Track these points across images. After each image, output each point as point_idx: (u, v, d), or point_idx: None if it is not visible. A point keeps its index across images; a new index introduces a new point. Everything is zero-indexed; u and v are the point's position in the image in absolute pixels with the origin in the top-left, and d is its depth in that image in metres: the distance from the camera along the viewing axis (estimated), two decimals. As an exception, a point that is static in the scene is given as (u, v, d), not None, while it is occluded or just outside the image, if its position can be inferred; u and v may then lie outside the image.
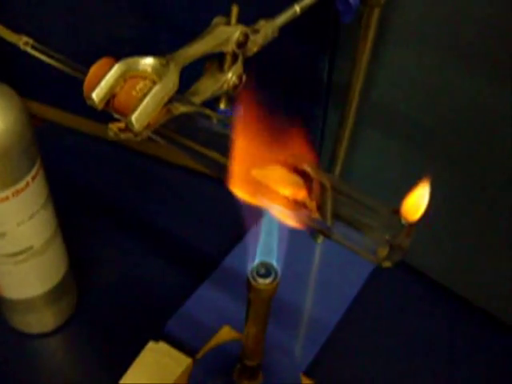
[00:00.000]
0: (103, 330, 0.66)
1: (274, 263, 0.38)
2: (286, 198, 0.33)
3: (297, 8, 0.47)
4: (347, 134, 0.62)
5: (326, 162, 0.66)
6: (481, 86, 0.55)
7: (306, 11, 0.49)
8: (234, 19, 0.40)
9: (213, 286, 0.67)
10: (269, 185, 0.33)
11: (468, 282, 0.68)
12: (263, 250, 0.37)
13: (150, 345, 0.61)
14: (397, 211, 0.30)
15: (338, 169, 0.65)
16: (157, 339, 0.61)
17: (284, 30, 0.54)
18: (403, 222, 0.30)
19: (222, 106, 0.43)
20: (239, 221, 0.35)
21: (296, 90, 0.65)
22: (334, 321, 0.65)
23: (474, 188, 0.62)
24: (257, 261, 0.38)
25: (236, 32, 0.40)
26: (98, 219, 0.76)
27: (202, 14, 0.42)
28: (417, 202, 0.30)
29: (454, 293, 0.69)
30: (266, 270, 0.38)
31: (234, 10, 0.39)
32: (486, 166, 0.59)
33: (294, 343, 0.65)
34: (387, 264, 0.32)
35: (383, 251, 0.31)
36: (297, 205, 0.33)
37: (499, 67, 0.53)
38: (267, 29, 0.43)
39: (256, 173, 0.34)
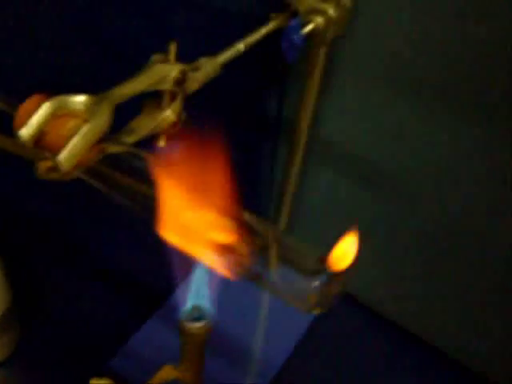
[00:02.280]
0: (46, 367, 0.64)
1: (207, 306, 0.37)
2: (216, 242, 0.32)
3: (241, 46, 0.46)
4: (296, 170, 0.62)
5: (275, 197, 0.66)
6: (430, 123, 0.56)
7: (254, 47, 0.49)
8: (172, 57, 0.39)
9: (158, 323, 0.66)
10: (198, 229, 0.33)
11: (416, 315, 0.68)
12: (195, 294, 0.36)
13: (93, 381, 0.59)
14: (324, 259, 0.30)
15: (287, 204, 0.65)
16: (101, 376, 0.60)
17: (232, 65, 0.54)
18: (329, 270, 0.30)
19: (161, 143, 0.43)
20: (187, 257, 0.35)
21: (245, 126, 0.64)
22: (282, 359, 0.65)
23: (419, 229, 0.62)
24: (189, 304, 0.37)
25: (174, 70, 0.39)
26: (41, 253, 0.74)
27: (155, 43, 0.42)
28: (345, 251, 0.29)
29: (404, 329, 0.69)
30: (199, 314, 0.37)
31: (172, 47, 0.39)
32: (433, 211, 0.60)
33: (244, 378, 0.64)
34: (316, 311, 0.31)
35: (313, 298, 0.31)
36: (227, 250, 0.32)
37: (449, 103, 0.54)
38: (208, 67, 0.43)
39: (186, 216, 0.33)
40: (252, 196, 0.70)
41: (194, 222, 0.33)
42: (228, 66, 0.51)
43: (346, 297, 0.70)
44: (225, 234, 0.33)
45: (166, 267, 0.38)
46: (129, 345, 0.64)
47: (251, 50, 0.51)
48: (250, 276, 0.32)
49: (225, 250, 0.32)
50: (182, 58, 0.41)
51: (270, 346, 0.65)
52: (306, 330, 0.67)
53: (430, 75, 0.54)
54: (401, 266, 0.66)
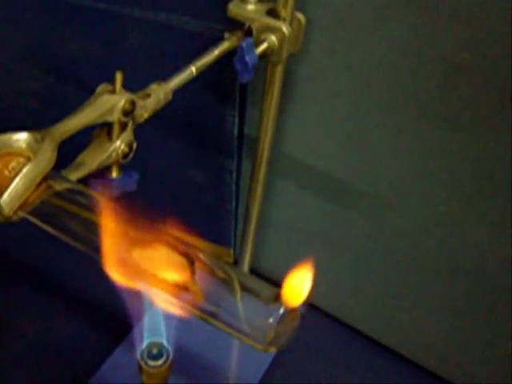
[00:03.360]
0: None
1: (165, 343, 0.36)
2: (167, 281, 0.31)
3: (192, 69, 0.45)
4: (260, 186, 0.61)
5: (243, 214, 0.65)
6: (394, 132, 0.55)
7: (209, 69, 0.48)
8: (118, 86, 0.38)
9: (127, 350, 0.65)
10: (148, 267, 0.31)
11: (390, 328, 0.68)
12: (151, 331, 0.35)
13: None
14: (278, 295, 0.29)
15: (253, 221, 0.64)
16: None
17: (189, 86, 0.53)
18: (284, 308, 0.29)
19: (114, 174, 0.41)
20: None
21: (207, 145, 0.63)
22: (256, 379, 0.64)
23: (390, 241, 0.61)
24: (145, 342, 0.36)
25: (121, 100, 0.38)
26: (7, 282, 0.72)
27: (110, 67, 0.40)
28: (298, 285, 0.28)
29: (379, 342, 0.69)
30: (158, 351, 0.36)
31: (118, 76, 0.38)
32: (403, 218, 0.59)
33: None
34: (272, 349, 0.30)
35: (268, 336, 0.30)
36: (179, 288, 0.31)
37: (412, 110, 0.54)
38: (159, 93, 0.42)
39: (135, 253, 0.32)
40: (217, 216, 0.69)
41: (143, 259, 0.32)
42: (183, 88, 0.50)
43: (317, 311, 0.69)
44: (176, 271, 0.31)
45: (124, 302, 0.37)
46: (98, 375, 0.63)
47: (207, 70, 0.51)
48: (202, 316, 0.31)
49: (176, 288, 0.31)
50: (131, 84, 0.40)
51: (241, 371, 0.64)
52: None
53: (390, 85, 0.53)
54: (373, 279, 0.65)
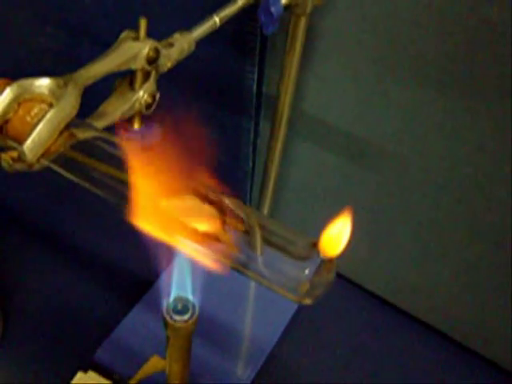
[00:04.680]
0: (30, 361, 0.62)
1: (191, 298, 0.35)
2: (198, 231, 0.30)
3: (216, 19, 0.44)
4: (279, 145, 0.59)
5: (260, 174, 0.64)
6: (416, 95, 0.54)
7: (229, 22, 0.47)
8: (142, 33, 0.36)
9: (143, 311, 0.64)
10: (178, 217, 0.30)
11: (412, 297, 0.67)
12: (178, 285, 0.34)
13: (79, 375, 0.58)
14: (315, 244, 0.28)
15: (271, 182, 0.63)
16: (86, 368, 0.58)
17: (209, 40, 0.52)
18: (322, 257, 0.28)
19: (136, 126, 0.40)
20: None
21: (225, 102, 0.62)
22: (272, 343, 0.63)
23: (409, 202, 0.60)
24: (172, 296, 0.35)
25: (145, 47, 0.36)
26: (23, 243, 0.72)
27: (126, 22, 0.39)
28: (337, 235, 0.27)
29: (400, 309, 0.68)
30: (183, 306, 0.35)
31: (143, 23, 0.36)
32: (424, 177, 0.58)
33: (235, 364, 0.63)
34: (307, 301, 0.29)
35: (303, 287, 0.29)
36: (210, 238, 0.30)
37: (438, 75, 0.52)
38: (182, 43, 0.40)
39: (163, 204, 0.31)
40: (234, 177, 0.68)
41: (172, 209, 0.31)
42: (203, 41, 0.48)
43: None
44: (206, 221, 0.30)
45: (148, 254, 0.36)
46: (113, 336, 0.62)
47: (227, 23, 0.49)
48: (235, 266, 0.30)
49: (207, 239, 0.30)
50: (154, 34, 0.39)
51: (259, 331, 0.64)
52: (294, 311, 0.66)
53: (418, 47, 0.51)
54: (391, 240, 0.64)
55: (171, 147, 0.36)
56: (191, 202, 0.31)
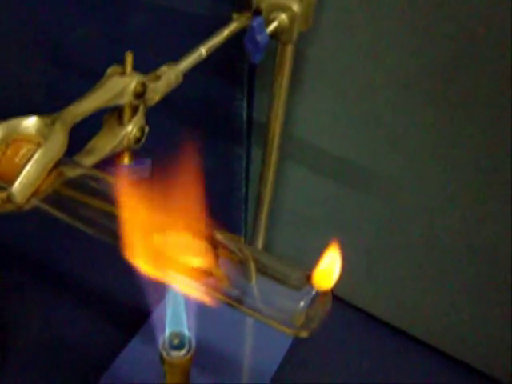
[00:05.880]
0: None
1: (186, 333, 0.34)
2: (191, 267, 0.30)
3: (202, 50, 0.44)
4: (271, 171, 0.59)
5: (254, 201, 0.64)
6: (407, 116, 0.54)
7: (217, 51, 0.47)
8: (129, 68, 0.37)
9: (142, 342, 0.64)
10: (170, 253, 0.30)
11: (404, 312, 0.67)
12: (173, 320, 0.34)
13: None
14: (309, 277, 0.28)
15: (265, 208, 0.62)
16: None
17: (197, 70, 0.52)
18: (316, 290, 0.27)
19: (126, 161, 0.40)
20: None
21: (215, 131, 0.62)
22: (273, 367, 0.62)
23: (403, 225, 0.60)
24: (167, 332, 0.34)
25: (132, 82, 0.36)
26: (20, 277, 0.71)
27: (116, 54, 0.39)
28: (329, 268, 0.27)
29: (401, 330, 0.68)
30: (179, 341, 0.35)
31: (129, 57, 0.36)
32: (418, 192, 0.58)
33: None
34: (303, 334, 0.29)
35: (299, 320, 0.28)
36: (203, 274, 0.30)
37: (424, 97, 0.52)
38: (170, 75, 0.41)
39: (155, 240, 0.31)
40: (228, 205, 0.67)
41: (165, 245, 0.30)
42: (191, 71, 0.48)
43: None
44: (199, 256, 0.30)
45: (145, 286, 0.36)
46: (113, 368, 0.61)
47: (214, 53, 0.49)
48: (228, 301, 0.30)
49: (200, 274, 0.30)
50: (141, 67, 0.39)
51: (258, 360, 0.63)
52: (292, 338, 0.65)
53: (406, 69, 0.52)
54: (387, 262, 0.64)
55: (163, 181, 0.36)
56: (183, 237, 0.31)
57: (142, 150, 0.40)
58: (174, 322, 0.34)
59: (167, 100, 0.44)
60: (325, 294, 0.27)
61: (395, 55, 0.51)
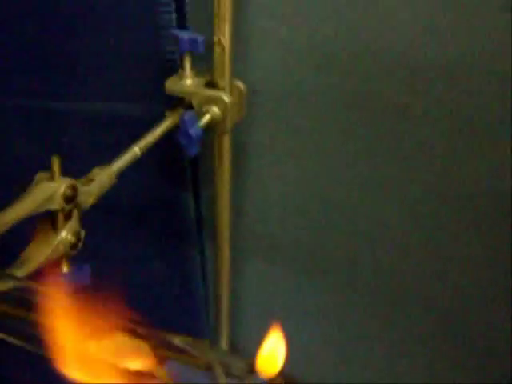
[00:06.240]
0: None
1: None
2: (130, 370, 0.28)
3: (136, 149, 0.44)
4: (226, 268, 0.58)
5: (213, 300, 0.62)
6: (354, 187, 0.54)
7: (156, 151, 0.47)
8: (57, 172, 0.36)
9: None
10: (107, 358, 0.28)
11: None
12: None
13: None
14: (252, 368, 0.26)
15: (224, 306, 0.60)
16: None
17: (138, 173, 0.51)
18: (263, 378, 0.25)
19: (64, 269, 0.38)
20: None
21: (164, 233, 0.60)
22: None
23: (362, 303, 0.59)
24: None
25: (61, 186, 0.35)
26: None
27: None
28: (272, 352, 0.25)
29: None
30: None
31: (55, 161, 0.35)
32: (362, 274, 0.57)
33: None
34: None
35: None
36: (144, 376, 0.28)
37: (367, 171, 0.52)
38: (102, 177, 0.40)
39: (89, 347, 0.29)
40: (188, 307, 0.65)
41: (100, 351, 0.28)
42: (132, 175, 0.48)
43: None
44: (139, 359, 0.28)
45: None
46: None
47: (154, 153, 0.49)
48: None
49: (141, 377, 0.28)
50: (76, 175, 0.38)
51: None
52: None
53: (342, 142, 0.52)
54: (353, 346, 0.62)
55: (103, 288, 0.34)
56: (121, 340, 0.29)
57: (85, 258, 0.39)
58: None
59: (112, 206, 0.43)
60: (275, 379, 0.25)
61: (331, 136, 0.52)
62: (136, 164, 0.57)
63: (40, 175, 0.36)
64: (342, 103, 0.50)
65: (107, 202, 0.48)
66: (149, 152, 0.54)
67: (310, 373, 0.63)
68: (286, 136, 0.53)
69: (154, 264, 0.61)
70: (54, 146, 0.55)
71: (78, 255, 0.39)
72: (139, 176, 0.57)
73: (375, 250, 0.55)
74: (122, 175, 0.50)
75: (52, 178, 0.36)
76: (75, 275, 0.39)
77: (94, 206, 0.41)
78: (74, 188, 0.36)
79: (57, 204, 0.36)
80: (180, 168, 0.56)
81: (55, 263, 0.38)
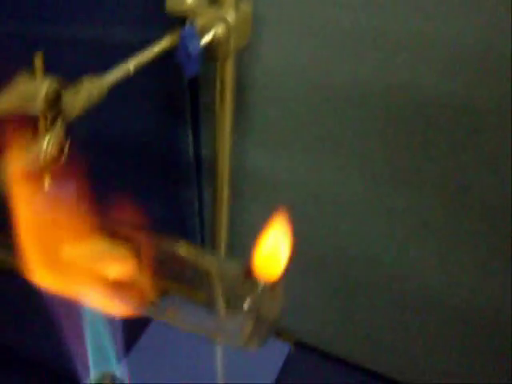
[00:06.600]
0: None
1: (117, 371, 0.28)
2: (107, 276, 0.24)
3: (130, 66, 0.40)
4: (224, 212, 0.54)
5: (208, 247, 0.58)
6: (359, 131, 0.50)
7: (157, 84, 0.43)
8: (39, 71, 0.32)
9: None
10: (82, 264, 0.24)
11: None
12: (98, 357, 0.28)
13: None
14: (249, 272, 0.22)
15: (222, 251, 0.57)
16: None
17: (138, 109, 0.48)
18: (261, 283, 0.22)
19: (46, 182, 0.35)
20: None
21: (162, 173, 0.57)
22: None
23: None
24: (93, 375, 0.28)
25: (43, 87, 0.32)
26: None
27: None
28: (272, 250, 0.22)
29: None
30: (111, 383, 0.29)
31: (38, 59, 0.32)
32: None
33: None
34: (253, 344, 0.23)
35: (247, 328, 0.23)
36: (123, 283, 0.24)
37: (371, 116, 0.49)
38: (91, 88, 0.36)
39: (65, 251, 0.25)
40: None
41: (75, 256, 0.25)
42: (131, 109, 0.44)
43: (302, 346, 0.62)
44: (118, 264, 0.25)
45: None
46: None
47: (154, 86, 0.45)
48: (157, 312, 0.24)
49: (120, 283, 0.24)
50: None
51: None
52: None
53: (352, 79, 0.48)
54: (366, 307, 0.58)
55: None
56: (99, 245, 0.25)
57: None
58: (99, 360, 0.28)
59: (108, 141, 0.39)
60: (273, 285, 0.22)
61: (341, 73, 0.48)
62: (133, 97, 0.54)
63: (21, 74, 0.33)
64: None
65: (100, 139, 0.45)
66: (147, 83, 0.51)
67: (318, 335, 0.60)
68: (290, 74, 0.49)
69: (149, 207, 0.58)
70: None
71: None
72: (135, 112, 0.53)
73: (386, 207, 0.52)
74: (117, 109, 0.47)
75: (34, 77, 0.32)
76: (59, 192, 0.35)
77: (84, 142, 0.37)
78: (57, 91, 0.33)
79: (38, 106, 0.32)
80: (180, 103, 0.53)
81: (36, 178, 0.35)
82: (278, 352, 0.60)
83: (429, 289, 0.54)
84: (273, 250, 0.22)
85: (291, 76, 0.49)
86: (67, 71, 0.52)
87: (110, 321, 0.28)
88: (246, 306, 0.22)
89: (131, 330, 0.28)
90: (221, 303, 0.23)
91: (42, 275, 0.25)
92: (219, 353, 0.57)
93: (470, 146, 0.46)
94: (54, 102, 0.33)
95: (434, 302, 0.54)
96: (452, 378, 0.57)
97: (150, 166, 0.57)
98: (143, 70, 0.41)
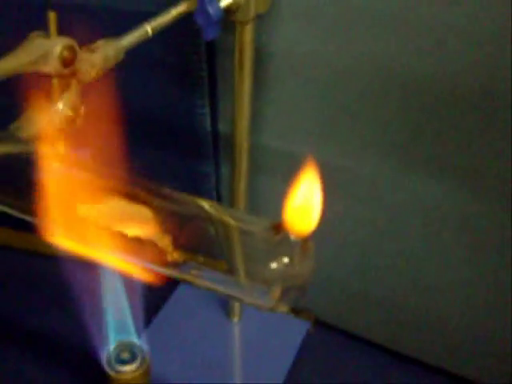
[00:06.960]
0: None
1: (137, 341, 0.27)
2: (127, 237, 0.23)
3: (148, 28, 0.38)
4: (242, 186, 0.53)
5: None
6: (379, 104, 0.49)
7: (174, 54, 0.41)
8: (53, 29, 0.31)
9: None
10: (100, 224, 0.23)
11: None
12: (117, 326, 0.26)
13: None
14: (278, 226, 0.21)
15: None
16: None
17: (155, 78, 0.46)
18: (292, 239, 0.20)
19: (60, 146, 0.33)
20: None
21: (178, 147, 0.55)
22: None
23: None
24: (113, 343, 0.27)
25: (57, 45, 0.30)
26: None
27: None
28: (304, 202, 0.20)
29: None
30: (131, 354, 0.27)
31: (52, 16, 0.30)
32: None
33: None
34: (282, 308, 0.21)
35: (275, 291, 0.21)
36: (143, 245, 0.23)
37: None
38: (107, 49, 0.35)
39: (83, 210, 0.24)
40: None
41: (93, 216, 0.23)
42: (148, 83, 0.42)
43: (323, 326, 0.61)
44: (138, 225, 0.23)
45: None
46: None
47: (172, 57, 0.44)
48: (182, 275, 0.22)
49: (140, 245, 0.23)
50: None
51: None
52: (289, 369, 0.57)
53: (374, 48, 0.46)
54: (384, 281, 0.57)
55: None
56: (118, 204, 0.24)
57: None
58: (119, 330, 0.27)
59: (120, 113, 0.38)
60: (304, 242, 0.20)
61: (366, 38, 0.46)
62: (148, 68, 0.52)
63: (34, 33, 0.31)
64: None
65: (112, 110, 0.43)
66: (163, 52, 0.49)
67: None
68: (313, 42, 0.48)
69: (164, 182, 0.57)
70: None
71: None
72: (150, 82, 0.52)
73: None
74: (130, 79, 0.45)
75: (48, 36, 0.31)
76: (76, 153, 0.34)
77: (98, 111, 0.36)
78: (72, 49, 0.31)
79: (52, 65, 0.31)
80: (196, 75, 0.51)
81: (49, 142, 0.33)
82: (296, 331, 0.58)
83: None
84: (304, 202, 0.20)
85: (312, 46, 0.48)
86: (82, 38, 0.51)
87: (130, 291, 0.27)
88: (274, 264, 0.21)
89: (152, 301, 0.27)
90: (245, 263, 0.21)
91: (62, 237, 0.24)
92: (238, 328, 0.56)
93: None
94: (69, 61, 0.31)
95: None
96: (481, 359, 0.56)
97: (166, 138, 0.56)
98: (159, 39, 0.40)
